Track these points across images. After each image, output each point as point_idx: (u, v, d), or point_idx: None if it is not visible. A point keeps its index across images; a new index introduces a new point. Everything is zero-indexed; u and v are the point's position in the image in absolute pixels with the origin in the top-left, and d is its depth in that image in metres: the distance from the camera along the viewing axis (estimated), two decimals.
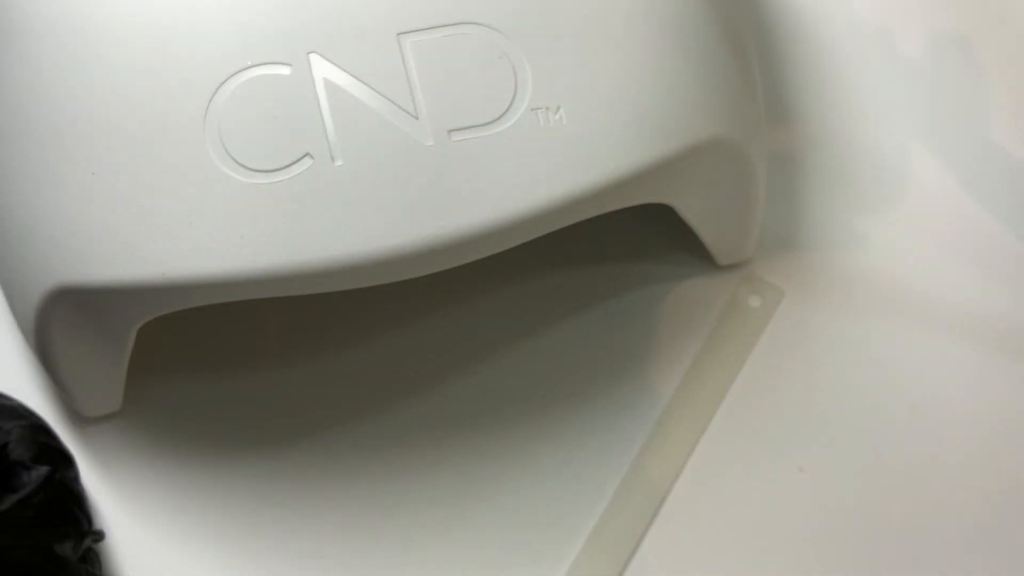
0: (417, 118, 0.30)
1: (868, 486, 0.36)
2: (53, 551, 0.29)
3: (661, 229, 0.40)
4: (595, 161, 0.30)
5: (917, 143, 0.42)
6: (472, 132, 0.30)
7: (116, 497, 0.35)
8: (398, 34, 0.30)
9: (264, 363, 0.38)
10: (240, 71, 0.30)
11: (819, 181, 0.42)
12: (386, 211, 0.29)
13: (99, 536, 0.32)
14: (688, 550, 0.35)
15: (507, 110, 0.30)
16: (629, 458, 0.37)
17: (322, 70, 0.30)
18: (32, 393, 0.36)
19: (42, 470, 0.30)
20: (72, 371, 0.33)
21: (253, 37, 0.30)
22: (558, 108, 0.31)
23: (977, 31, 0.37)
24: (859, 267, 0.40)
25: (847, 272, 0.40)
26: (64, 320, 0.31)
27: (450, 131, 0.30)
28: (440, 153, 0.30)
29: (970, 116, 0.42)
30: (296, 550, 0.35)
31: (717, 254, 0.38)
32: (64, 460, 0.32)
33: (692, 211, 0.35)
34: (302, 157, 0.29)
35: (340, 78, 0.30)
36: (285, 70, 0.30)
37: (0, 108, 0.31)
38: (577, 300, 0.39)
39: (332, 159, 0.30)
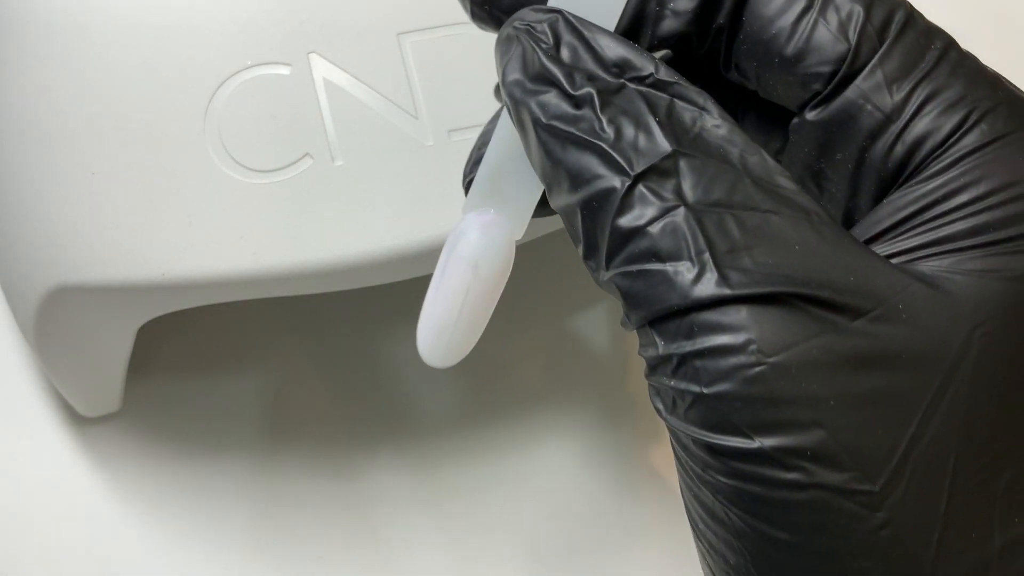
0: (417, 118, 0.30)
1: None
2: None
3: None
4: None
5: None
6: (472, 132, 0.30)
7: (116, 497, 0.35)
8: (398, 34, 0.30)
9: (264, 363, 0.38)
10: (240, 71, 0.30)
11: None
12: (386, 211, 0.29)
13: None
14: None
15: None
16: (630, 456, 0.37)
17: (322, 70, 0.30)
18: (32, 393, 0.37)
19: None
20: (72, 371, 0.34)
21: (253, 37, 0.30)
22: None
23: (977, 31, 0.37)
24: None
25: None
26: (64, 320, 0.31)
27: (450, 131, 0.30)
28: (440, 153, 0.30)
29: None
30: (296, 550, 0.35)
31: None
32: None
33: None
34: (302, 157, 0.29)
35: (340, 78, 0.30)
36: (285, 70, 0.30)
37: None
38: (577, 300, 0.39)
39: (332, 159, 0.30)
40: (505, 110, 0.22)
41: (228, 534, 0.35)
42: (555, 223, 0.31)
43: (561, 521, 0.36)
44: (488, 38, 0.31)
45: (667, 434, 0.20)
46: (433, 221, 0.30)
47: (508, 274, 0.23)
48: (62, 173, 0.30)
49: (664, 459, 0.37)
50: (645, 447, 0.37)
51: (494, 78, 0.30)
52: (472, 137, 0.30)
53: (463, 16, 0.31)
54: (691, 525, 0.20)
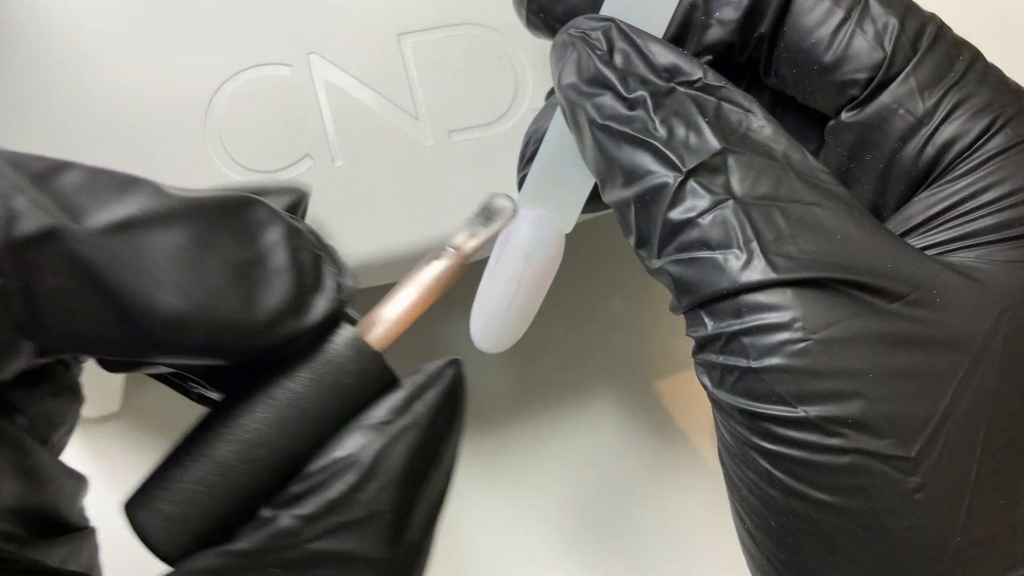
0: (417, 119, 0.30)
1: None
2: None
3: None
4: None
5: None
6: (472, 133, 0.30)
7: (116, 497, 0.35)
8: (398, 35, 0.31)
9: None
10: (240, 72, 0.30)
11: None
12: (386, 211, 0.30)
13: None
14: None
15: (507, 111, 0.30)
16: (631, 454, 0.37)
17: (322, 71, 0.30)
18: None
19: None
20: None
21: (253, 38, 0.30)
22: None
23: (977, 31, 0.37)
24: None
25: None
26: None
27: (450, 132, 0.30)
28: (440, 154, 0.30)
29: None
30: None
31: None
32: None
33: None
34: (302, 158, 0.29)
35: (340, 78, 0.30)
36: (285, 71, 0.30)
37: (0, 107, 0.31)
38: (577, 299, 0.39)
39: (332, 160, 0.30)
40: (558, 112, 0.23)
41: None
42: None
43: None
44: (488, 40, 0.31)
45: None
46: (433, 221, 0.30)
47: (558, 265, 0.24)
48: None
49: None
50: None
51: (494, 79, 0.31)
52: (472, 138, 0.30)
53: (463, 17, 0.31)
54: (732, 494, 0.22)
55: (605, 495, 0.37)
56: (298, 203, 0.23)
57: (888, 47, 0.21)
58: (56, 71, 0.30)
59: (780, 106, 0.24)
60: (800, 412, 0.19)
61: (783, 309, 0.19)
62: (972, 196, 0.20)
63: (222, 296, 0.17)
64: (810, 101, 0.23)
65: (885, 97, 0.21)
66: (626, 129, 0.20)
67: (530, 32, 0.24)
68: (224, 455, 0.18)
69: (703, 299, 0.20)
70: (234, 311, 0.17)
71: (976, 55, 0.21)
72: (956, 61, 0.21)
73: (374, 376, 0.19)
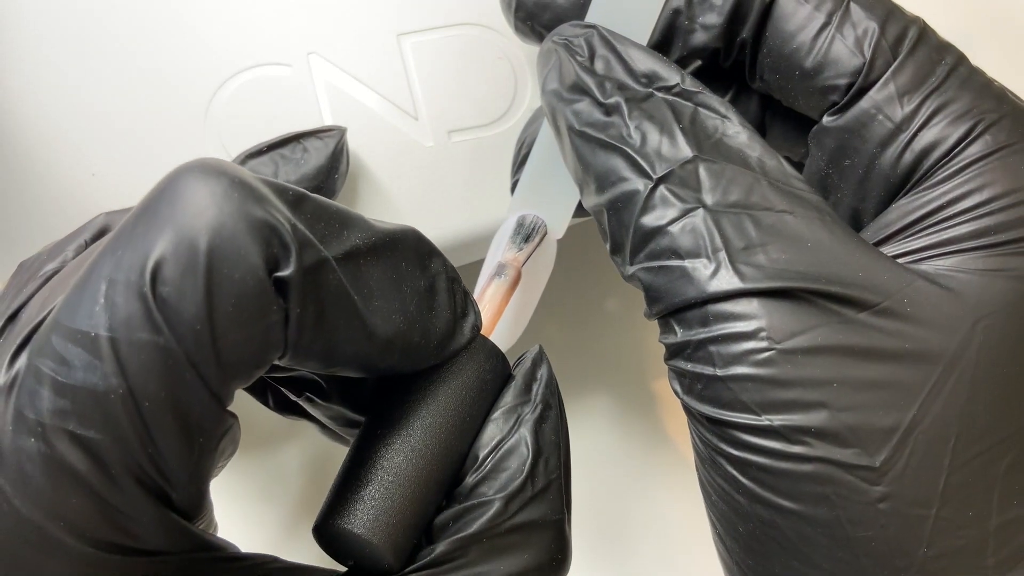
0: (417, 119, 0.30)
1: None
2: None
3: None
4: None
5: None
6: (472, 133, 0.30)
7: None
8: (398, 35, 0.31)
9: None
10: (240, 72, 0.30)
11: None
12: (386, 211, 0.30)
13: None
14: None
15: (507, 111, 0.30)
16: (625, 455, 0.37)
17: (322, 71, 0.30)
18: None
19: None
20: None
21: (253, 38, 0.30)
22: None
23: (977, 31, 0.37)
24: None
25: None
26: None
27: (450, 132, 0.30)
28: (440, 154, 0.30)
29: None
30: (301, 549, 0.35)
31: None
32: None
33: None
34: None
35: (340, 79, 0.30)
36: (285, 71, 0.30)
37: (0, 106, 0.31)
38: (572, 302, 0.39)
39: None
40: (546, 118, 0.23)
41: (230, 533, 0.35)
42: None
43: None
44: (488, 40, 0.31)
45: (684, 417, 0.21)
46: (433, 221, 0.30)
47: (550, 269, 0.24)
48: (63, 174, 0.30)
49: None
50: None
51: (494, 79, 0.31)
52: (471, 139, 0.30)
53: (463, 17, 0.31)
54: (704, 499, 0.22)
55: (598, 495, 0.37)
56: (341, 139, 0.27)
57: (867, 52, 0.21)
58: (56, 72, 0.30)
59: (769, 110, 0.24)
60: (764, 420, 0.19)
61: (749, 318, 0.19)
62: (949, 203, 0.20)
63: (413, 322, 0.19)
64: (795, 105, 0.23)
65: (864, 103, 0.21)
66: (601, 135, 0.21)
67: (519, 38, 0.25)
68: (404, 462, 0.20)
69: (672, 307, 0.20)
70: (420, 336, 0.19)
71: (960, 59, 0.21)
72: (938, 65, 0.21)
73: (503, 372, 0.22)
